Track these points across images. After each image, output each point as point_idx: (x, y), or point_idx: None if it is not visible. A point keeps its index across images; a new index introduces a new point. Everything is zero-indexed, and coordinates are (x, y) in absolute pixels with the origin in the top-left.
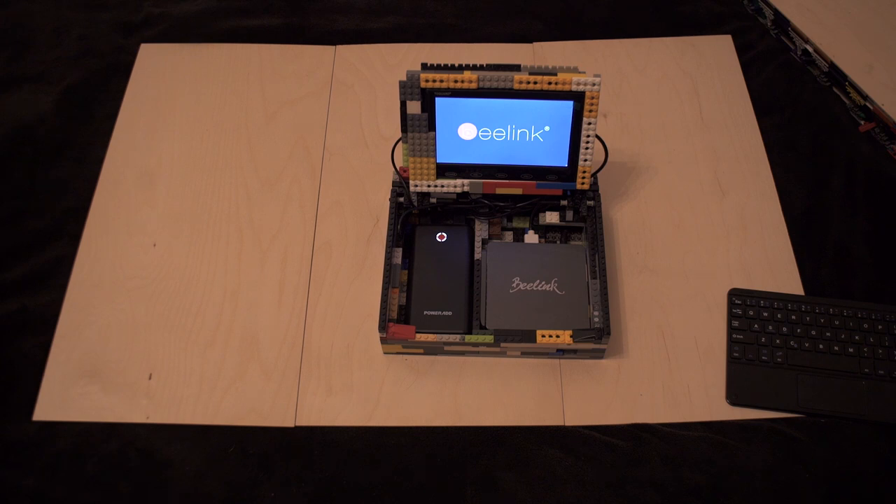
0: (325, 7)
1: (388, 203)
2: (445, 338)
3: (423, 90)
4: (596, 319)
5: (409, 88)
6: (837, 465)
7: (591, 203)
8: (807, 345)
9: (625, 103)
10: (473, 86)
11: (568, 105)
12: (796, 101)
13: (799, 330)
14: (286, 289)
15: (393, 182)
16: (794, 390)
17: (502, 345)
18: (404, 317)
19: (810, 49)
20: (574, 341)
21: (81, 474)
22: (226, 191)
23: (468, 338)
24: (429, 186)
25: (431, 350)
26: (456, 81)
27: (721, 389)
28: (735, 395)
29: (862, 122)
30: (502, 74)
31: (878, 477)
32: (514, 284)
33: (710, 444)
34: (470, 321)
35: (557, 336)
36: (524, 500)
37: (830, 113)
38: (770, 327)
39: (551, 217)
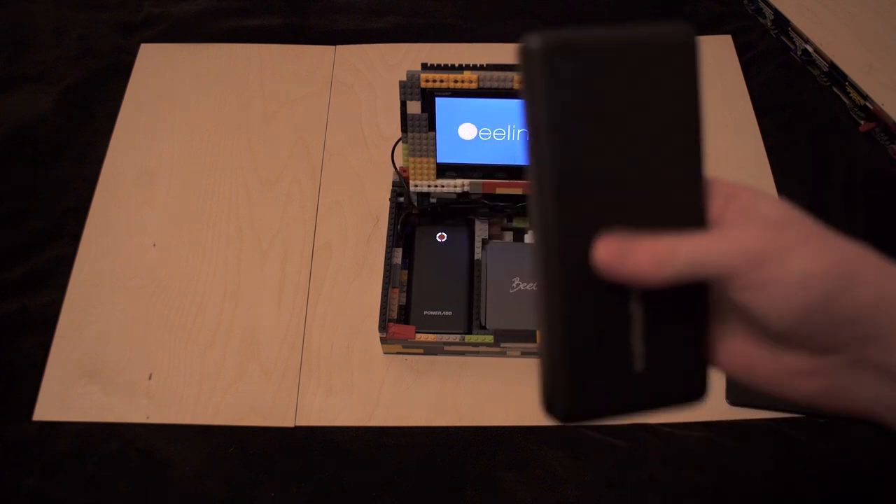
0: (325, 7)
1: (388, 203)
2: (445, 338)
3: (423, 90)
4: None
5: (409, 88)
6: (837, 465)
7: None
8: None
9: None
10: (473, 86)
11: None
12: (796, 101)
13: None
14: (286, 289)
15: (393, 182)
16: None
17: (502, 345)
18: (404, 317)
19: (810, 49)
20: None
21: (81, 474)
22: (226, 191)
23: (468, 338)
24: (429, 186)
25: (431, 350)
26: (456, 81)
27: (721, 389)
28: (735, 395)
29: (862, 122)
30: (502, 74)
31: (877, 477)
32: (514, 284)
33: (710, 444)
34: (470, 321)
35: None
36: (524, 500)
37: (830, 113)
38: None
39: None
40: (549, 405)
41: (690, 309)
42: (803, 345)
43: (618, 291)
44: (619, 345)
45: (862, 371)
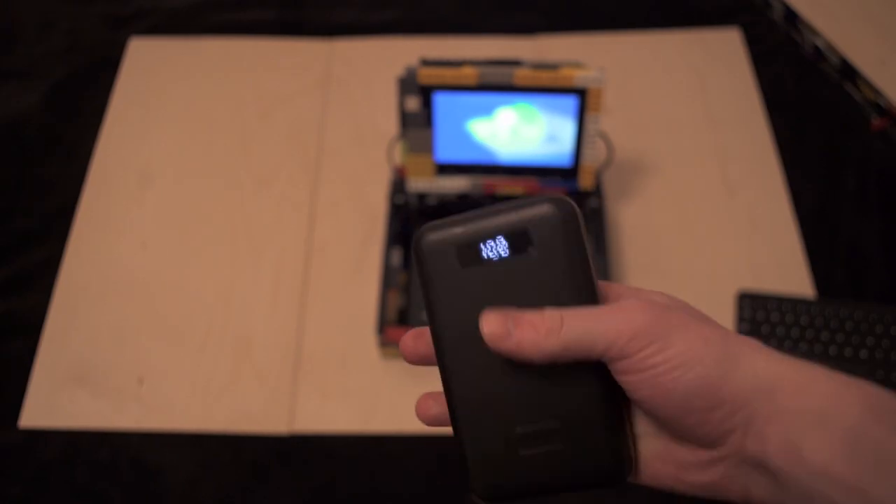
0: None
1: (385, 202)
2: None
3: (422, 86)
4: None
5: (408, 84)
6: None
7: (595, 203)
8: (818, 348)
9: (630, 99)
10: (474, 81)
11: (571, 101)
12: (807, 97)
13: (809, 333)
14: (281, 291)
15: (391, 181)
16: None
17: None
18: (402, 319)
19: (821, 43)
20: None
21: (71, 483)
22: (219, 190)
23: None
24: (428, 186)
25: None
26: (456, 77)
27: None
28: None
29: (875, 119)
30: (503, 69)
31: None
32: None
33: None
34: None
35: None
36: None
37: (842, 109)
38: (779, 330)
39: None
40: (472, 485)
41: (599, 388)
42: (689, 434)
43: (513, 372)
44: (526, 425)
45: (748, 469)
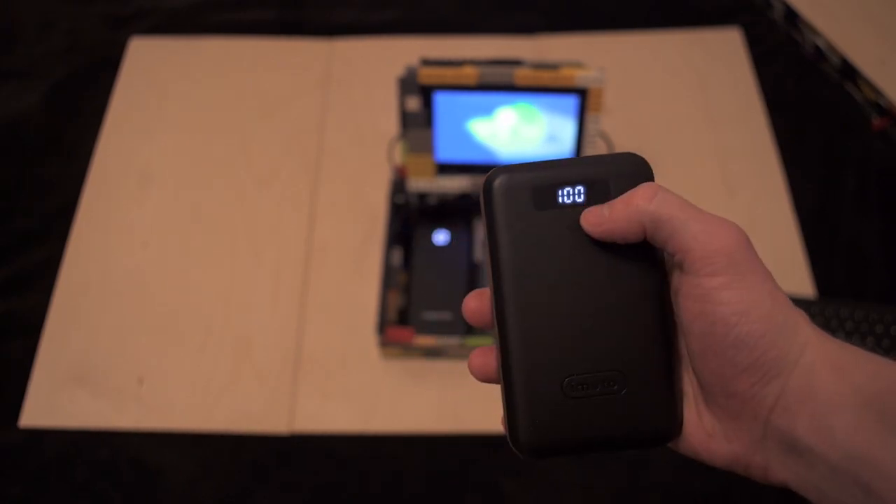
0: None
1: (385, 202)
2: (445, 341)
3: (422, 86)
4: None
5: (408, 84)
6: None
7: None
8: None
9: (630, 99)
10: (474, 81)
11: (571, 101)
12: (807, 97)
13: None
14: (281, 291)
15: (391, 181)
16: None
17: None
18: (403, 319)
19: (822, 43)
20: None
21: (71, 483)
22: (219, 190)
23: (468, 340)
24: (428, 186)
25: (431, 353)
26: (456, 77)
27: None
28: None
29: (875, 119)
30: (504, 69)
31: None
32: None
33: None
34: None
35: None
36: None
37: (842, 109)
38: None
39: None
40: (513, 439)
41: (660, 340)
42: (719, 389)
43: (573, 319)
44: (581, 377)
45: (772, 445)
